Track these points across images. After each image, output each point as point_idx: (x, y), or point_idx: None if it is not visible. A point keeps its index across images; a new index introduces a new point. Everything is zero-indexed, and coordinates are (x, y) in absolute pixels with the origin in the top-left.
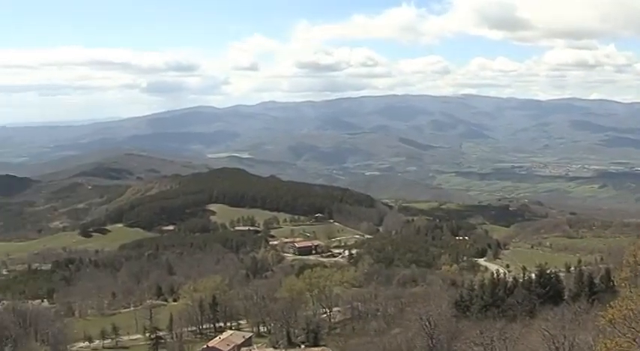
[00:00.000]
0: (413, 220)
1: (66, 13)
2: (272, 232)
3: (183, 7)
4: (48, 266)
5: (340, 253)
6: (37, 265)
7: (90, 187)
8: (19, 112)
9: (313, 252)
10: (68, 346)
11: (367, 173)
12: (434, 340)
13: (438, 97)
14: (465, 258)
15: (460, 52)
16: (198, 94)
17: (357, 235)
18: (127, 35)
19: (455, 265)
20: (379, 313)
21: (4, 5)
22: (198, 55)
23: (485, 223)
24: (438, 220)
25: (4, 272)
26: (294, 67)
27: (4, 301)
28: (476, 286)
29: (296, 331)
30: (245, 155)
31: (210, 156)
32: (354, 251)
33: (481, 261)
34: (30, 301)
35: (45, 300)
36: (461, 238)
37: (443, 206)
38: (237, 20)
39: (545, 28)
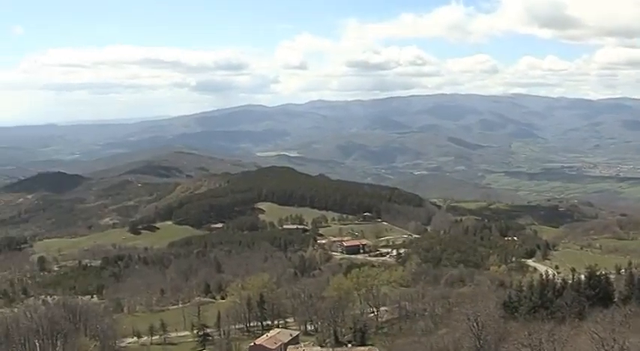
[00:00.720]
0: (461, 219)
1: (118, 12)
2: (320, 231)
3: (233, 5)
4: (98, 263)
5: (388, 253)
6: (87, 261)
7: (140, 185)
8: (71, 110)
9: (361, 251)
10: (117, 342)
11: (416, 173)
12: (481, 341)
13: (487, 96)
14: (513, 258)
15: (509, 51)
16: (247, 92)
17: (405, 234)
18: (177, 34)
19: (503, 266)
20: (426, 313)
21: (59, 5)
22: (248, 53)
23: (534, 224)
24: (486, 220)
25: (55, 268)
26: (343, 66)
27: (55, 297)
28: (524, 287)
29: (343, 330)
30: (294, 154)
31: (259, 154)
32: (401, 251)
33: (530, 262)
34: (80, 297)
35: (94, 296)
36: (509, 238)
37: (491, 206)
38: (286, 19)
39: (596, 27)
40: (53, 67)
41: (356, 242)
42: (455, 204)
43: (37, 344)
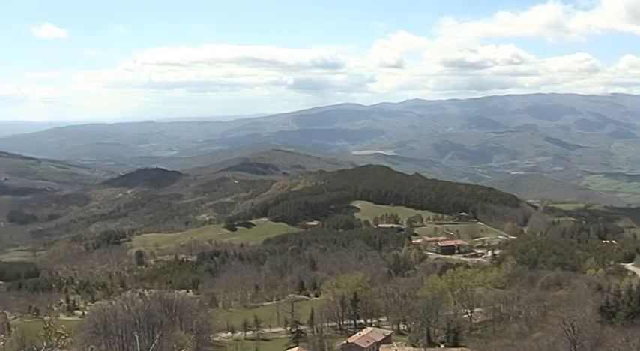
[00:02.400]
0: (558, 221)
1: (215, 11)
2: (415, 231)
3: (329, 4)
4: (194, 258)
5: (483, 253)
6: (183, 256)
7: (236, 182)
8: (170, 107)
9: (456, 251)
10: (211, 336)
11: (512, 173)
12: (577, 346)
13: (585, 95)
14: (611, 262)
15: (609, 50)
16: (343, 91)
17: (501, 235)
18: (273, 33)
19: (601, 269)
20: (521, 316)
21: (157, 5)
22: (344, 52)
23: (633, 227)
24: (584, 222)
25: (152, 262)
26: (439, 65)
27: (152, 290)
28: (622, 292)
29: (436, 330)
30: (390, 153)
31: (355, 153)
32: (497, 252)
33: (629, 266)
34: (176, 291)
35: (190, 290)
36: (608, 241)
37: (590, 208)
38: (383, 17)
39: None
40: (152, 65)
41: (451, 242)
42: (552, 205)
43: (136, 336)
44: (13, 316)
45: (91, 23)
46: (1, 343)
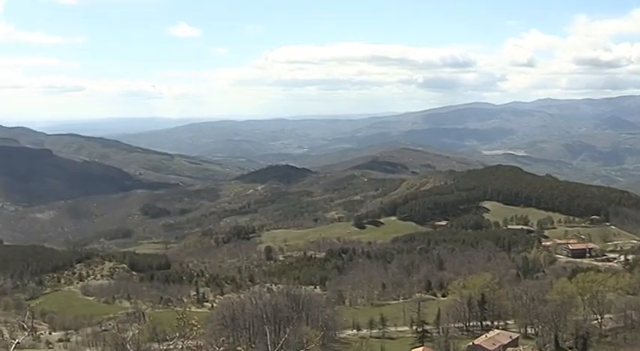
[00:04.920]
0: None
1: (345, 9)
2: (545, 233)
3: (459, 2)
4: (322, 254)
5: (615, 258)
6: (311, 252)
7: (365, 180)
8: (301, 105)
9: (587, 255)
10: (337, 333)
11: None
12: None
13: None
14: None
15: None
16: (474, 90)
17: (635, 239)
18: (403, 31)
19: None
20: None
21: (287, 4)
22: (475, 51)
23: None
24: None
25: (281, 258)
26: (571, 64)
27: (280, 285)
28: None
29: (564, 335)
30: (520, 153)
31: (485, 153)
32: (630, 257)
33: None
34: (303, 287)
35: (317, 287)
36: None
37: None
38: (514, 16)
39: None
40: (283, 63)
41: (582, 245)
42: None
43: (267, 330)
44: (145, 306)
45: (223, 22)
46: (137, 331)
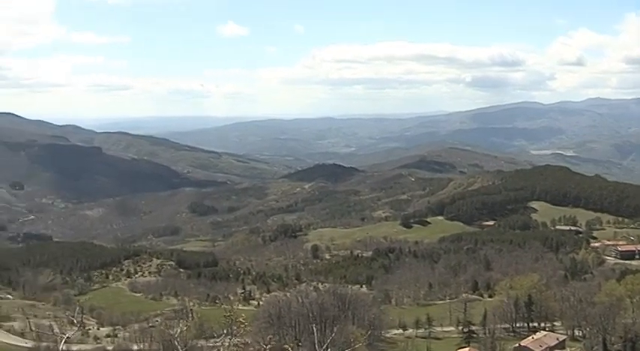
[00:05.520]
0: None
1: (393, 9)
2: (594, 234)
3: (508, 1)
4: (369, 253)
5: None
6: (358, 251)
7: (413, 179)
8: (348, 104)
9: (637, 257)
10: (382, 332)
11: None
12: None
13: None
14: None
15: None
16: (522, 89)
17: None
18: (451, 30)
19: None
20: None
21: (335, 4)
22: (523, 50)
23: None
24: None
25: (327, 256)
26: (622, 63)
27: (326, 284)
28: None
29: (612, 338)
30: (569, 153)
31: (533, 152)
32: None
33: None
34: (350, 286)
35: (364, 286)
36: None
37: None
38: (563, 14)
39: None
40: (330, 62)
41: (631, 247)
42: None
43: (314, 329)
44: (192, 304)
45: (271, 21)
46: (184, 328)
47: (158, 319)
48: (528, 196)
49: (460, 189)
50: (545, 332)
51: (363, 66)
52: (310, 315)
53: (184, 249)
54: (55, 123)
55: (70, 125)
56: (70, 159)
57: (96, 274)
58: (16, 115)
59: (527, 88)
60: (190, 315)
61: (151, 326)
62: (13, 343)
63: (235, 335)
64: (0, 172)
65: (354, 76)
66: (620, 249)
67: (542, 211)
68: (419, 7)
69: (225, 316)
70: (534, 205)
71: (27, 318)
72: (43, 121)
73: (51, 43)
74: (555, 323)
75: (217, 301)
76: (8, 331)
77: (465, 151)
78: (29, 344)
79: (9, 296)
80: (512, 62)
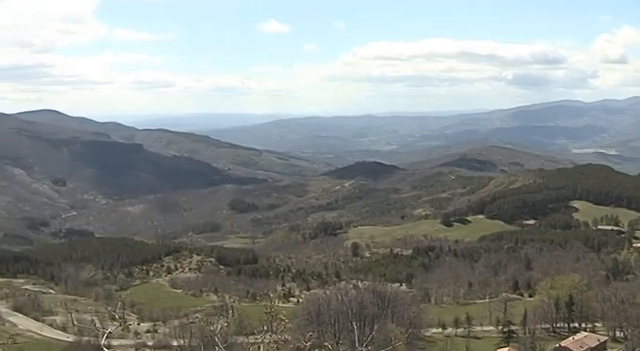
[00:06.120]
0: None
1: (433, 6)
2: (636, 234)
3: None
4: (409, 252)
5: None
6: (398, 250)
7: (453, 178)
8: (388, 102)
9: None
10: (422, 331)
11: None
12: None
13: None
14: None
15: None
16: (564, 87)
17: None
18: (492, 27)
19: None
20: None
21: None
22: (565, 47)
23: None
24: None
25: (367, 254)
26: None
27: (365, 282)
28: None
29: None
30: (612, 152)
31: (575, 151)
32: None
33: None
34: (389, 284)
35: (403, 284)
36: None
37: None
38: (606, 11)
39: None
40: (371, 60)
41: None
42: None
43: (355, 326)
44: (232, 300)
45: (312, 19)
46: (225, 324)
47: (198, 315)
48: (570, 195)
49: (501, 187)
50: (585, 333)
51: (404, 63)
52: (349, 313)
53: (224, 246)
54: (97, 120)
55: (111, 122)
56: (112, 156)
57: (137, 269)
58: (59, 112)
59: (569, 86)
60: (231, 311)
61: (190, 322)
62: (55, 336)
63: (276, 332)
64: (43, 169)
65: (395, 74)
66: None
67: (583, 211)
68: (460, 4)
69: (265, 312)
70: (576, 204)
71: (69, 312)
72: (85, 118)
73: (94, 41)
74: (596, 324)
75: (257, 298)
76: (51, 325)
77: (506, 150)
78: (71, 338)
79: (51, 291)
80: (553, 60)
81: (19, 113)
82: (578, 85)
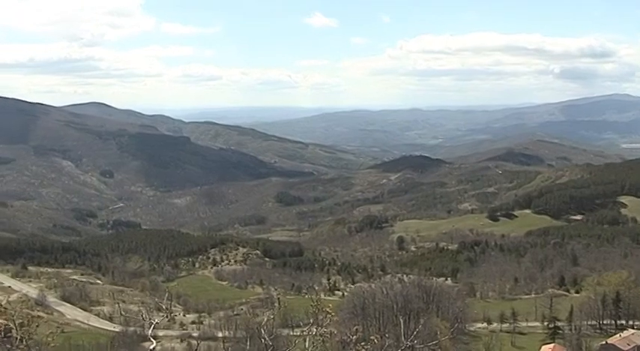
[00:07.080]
0: None
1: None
2: None
3: None
4: (454, 246)
5: None
6: (444, 244)
7: (500, 172)
8: (435, 95)
9: None
10: (467, 326)
11: None
12: None
13: None
14: None
15: None
16: (613, 81)
17: None
18: (539, 21)
19: None
20: None
21: None
22: (614, 41)
23: None
24: None
25: (413, 248)
26: None
27: (411, 276)
28: None
29: None
30: None
31: (624, 146)
32: None
33: None
34: (434, 278)
35: (449, 279)
36: None
37: None
38: None
39: None
40: (417, 53)
41: None
42: None
43: (401, 320)
44: (277, 292)
45: (358, 12)
46: (272, 316)
47: (243, 307)
48: (618, 191)
49: (548, 182)
50: (633, 331)
51: (451, 57)
52: (395, 307)
53: (270, 238)
54: (144, 113)
55: (158, 115)
56: (159, 148)
57: (183, 261)
58: (107, 105)
59: (617, 80)
60: (277, 304)
61: (236, 314)
62: (102, 326)
63: (321, 325)
64: (91, 161)
65: (441, 67)
66: None
67: (632, 207)
68: None
69: (312, 305)
70: (624, 200)
71: (116, 303)
72: (132, 111)
73: (141, 35)
74: None
75: (302, 291)
76: (98, 314)
77: (553, 144)
78: (117, 328)
79: (98, 281)
80: (601, 53)
81: (67, 106)
82: (626, 78)
